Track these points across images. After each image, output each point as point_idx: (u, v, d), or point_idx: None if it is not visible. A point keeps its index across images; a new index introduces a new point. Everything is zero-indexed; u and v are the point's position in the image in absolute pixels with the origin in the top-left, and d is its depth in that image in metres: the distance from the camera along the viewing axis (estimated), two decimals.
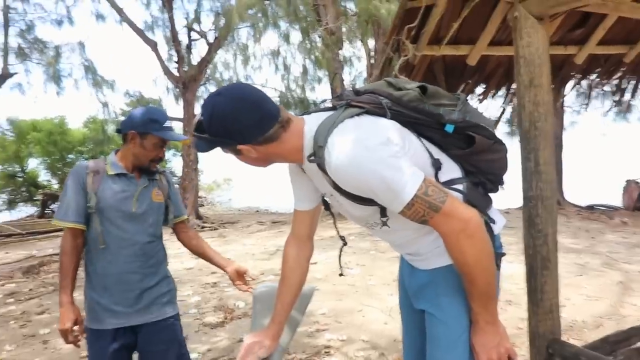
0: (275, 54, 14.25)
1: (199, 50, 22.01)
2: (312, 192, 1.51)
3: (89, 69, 13.96)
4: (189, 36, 14.48)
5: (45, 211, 17.08)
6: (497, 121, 3.44)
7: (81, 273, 1.99)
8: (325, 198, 1.49)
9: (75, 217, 1.94)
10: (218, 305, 4.97)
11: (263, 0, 12.35)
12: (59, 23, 14.42)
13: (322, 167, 1.22)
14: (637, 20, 2.57)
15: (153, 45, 13.84)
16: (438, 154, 1.34)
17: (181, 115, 14.10)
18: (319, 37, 12.51)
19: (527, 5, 1.72)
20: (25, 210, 20.11)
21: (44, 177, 21.35)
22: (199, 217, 14.02)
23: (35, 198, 19.94)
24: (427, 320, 1.40)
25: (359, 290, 5.27)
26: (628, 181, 12.28)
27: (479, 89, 3.45)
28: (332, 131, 1.20)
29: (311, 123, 1.29)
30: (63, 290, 1.92)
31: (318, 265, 6.19)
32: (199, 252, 2.27)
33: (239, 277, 2.17)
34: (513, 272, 4.53)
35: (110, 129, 14.93)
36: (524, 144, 1.75)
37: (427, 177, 1.16)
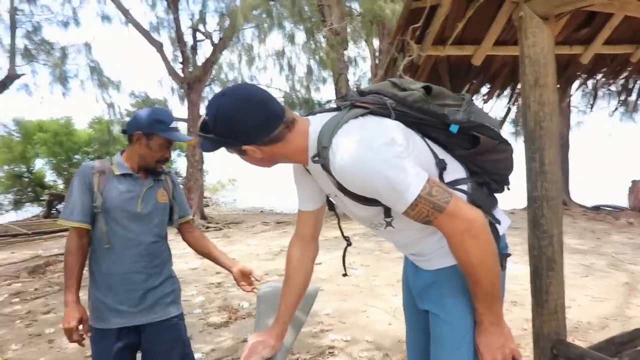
0: (280, 54, 14.25)
1: (204, 51, 22.13)
2: (316, 192, 1.51)
3: (95, 70, 14.03)
4: (194, 37, 14.53)
5: (51, 211, 17.17)
6: (502, 121, 3.43)
7: (85, 273, 2.00)
8: (329, 198, 1.49)
9: (81, 217, 1.95)
10: (222, 305, 4.98)
11: (268, 0, 12.36)
12: (66, 24, 14.51)
13: (326, 167, 1.22)
14: None
15: (158, 46, 13.89)
16: (443, 154, 1.33)
17: (186, 116, 14.15)
18: (324, 37, 12.51)
19: (532, 5, 1.71)
20: (31, 211, 20.23)
21: (50, 177, 21.49)
22: (203, 217, 14.05)
23: (41, 198, 20.05)
24: (431, 321, 1.40)
25: (363, 291, 5.27)
26: (634, 182, 12.19)
27: (484, 89, 3.44)
28: (336, 132, 1.21)
29: (316, 124, 1.29)
30: (68, 289, 1.93)
31: (322, 266, 6.19)
32: (205, 253, 2.27)
33: (244, 277, 2.17)
34: (518, 272, 4.53)
35: (116, 129, 14.98)
36: (529, 143, 1.75)
37: (431, 177, 1.16)
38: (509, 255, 1.40)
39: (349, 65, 13.67)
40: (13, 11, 12.95)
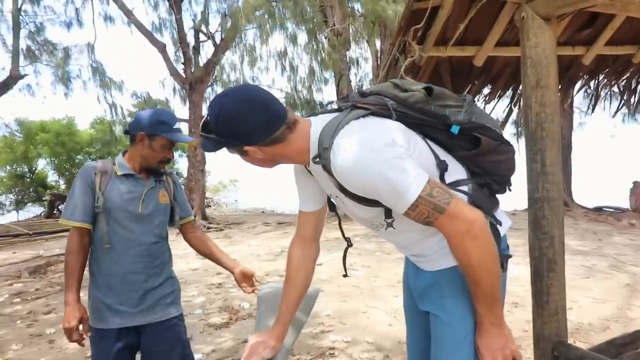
0: (282, 55, 14.28)
1: (206, 52, 22.16)
2: (317, 193, 1.51)
3: (97, 71, 14.08)
4: (197, 38, 14.57)
5: (53, 211, 17.20)
6: (503, 122, 3.42)
7: (85, 273, 2.00)
8: (330, 199, 1.49)
9: (82, 217, 1.95)
10: (223, 306, 4.98)
11: (270, 1, 12.38)
12: (68, 25, 14.59)
13: (327, 168, 1.22)
14: None
15: (161, 47, 13.93)
16: (444, 155, 1.33)
17: (188, 117, 14.16)
18: (326, 38, 12.52)
19: (534, 6, 1.71)
20: (33, 211, 20.29)
21: (51, 177, 21.56)
22: (205, 217, 14.06)
23: (43, 198, 20.10)
24: (431, 322, 1.40)
25: (364, 292, 5.27)
26: (636, 183, 12.18)
27: (486, 90, 3.43)
28: (337, 133, 1.21)
29: (317, 124, 1.29)
30: (69, 289, 1.93)
31: (323, 267, 6.18)
32: (206, 253, 2.27)
33: (245, 279, 2.17)
34: (519, 274, 4.52)
35: (118, 130, 15.02)
36: (530, 145, 1.74)
37: (431, 178, 1.16)
38: (510, 256, 1.40)
39: (350, 66, 13.68)
40: (17, 12, 12.99)
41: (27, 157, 20.41)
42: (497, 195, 1.43)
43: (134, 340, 2.04)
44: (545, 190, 1.71)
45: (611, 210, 12.26)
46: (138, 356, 2.11)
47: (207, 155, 14.47)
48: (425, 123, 1.31)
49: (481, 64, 2.95)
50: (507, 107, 3.40)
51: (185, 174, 15.23)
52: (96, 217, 1.98)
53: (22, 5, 13.26)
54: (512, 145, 1.41)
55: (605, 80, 3.51)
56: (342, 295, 5.11)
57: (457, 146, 1.35)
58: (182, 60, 14.25)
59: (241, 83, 10.76)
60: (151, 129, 1.98)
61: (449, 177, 1.31)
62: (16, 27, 12.96)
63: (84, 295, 1.94)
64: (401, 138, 1.20)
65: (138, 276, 2.00)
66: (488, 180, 1.38)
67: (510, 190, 1.48)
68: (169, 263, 2.16)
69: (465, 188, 1.32)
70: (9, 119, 20.30)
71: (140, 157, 2.03)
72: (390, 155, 1.14)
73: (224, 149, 1.32)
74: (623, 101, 3.65)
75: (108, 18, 14.74)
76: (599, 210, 12.31)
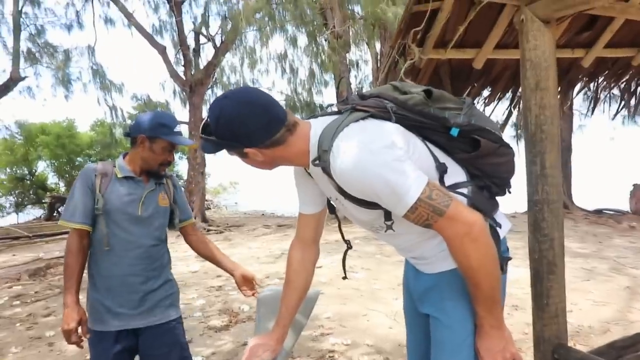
0: (282, 57, 14.31)
1: (207, 54, 22.17)
2: (317, 195, 1.51)
3: (98, 73, 14.11)
4: (197, 40, 14.59)
5: (53, 214, 17.19)
6: (503, 125, 3.42)
7: (85, 275, 2.00)
8: (330, 201, 1.49)
9: (82, 219, 1.95)
10: (223, 309, 4.97)
11: (270, 4, 12.41)
12: (69, 27, 14.61)
13: (326, 170, 1.22)
14: None
15: (161, 50, 13.95)
16: (443, 157, 1.34)
17: (188, 119, 14.17)
18: (326, 40, 12.54)
19: (533, 9, 1.72)
20: (32, 213, 20.29)
21: (51, 180, 21.57)
22: (205, 220, 14.06)
23: (43, 201, 20.08)
24: (431, 324, 1.40)
25: (364, 294, 5.26)
26: (636, 185, 12.19)
27: (485, 93, 3.44)
28: (337, 135, 1.21)
29: (317, 127, 1.29)
30: (68, 291, 1.92)
31: (323, 269, 6.18)
32: (207, 255, 2.27)
33: (246, 282, 2.17)
34: (519, 276, 4.52)
35: (118, 132, 15.02)
36: (529, 147, 1.75)
37: (431, 181, 1.16)
38: (509, 258, 1.39)
39: (350, 68, 13.71)
40: (17, 14, 13.01)
41: (27, 160, 20.42)
42: (497, 198, 1.44)
43: (132, 343, 2.03)
44: (545, 193, 1.71)
45: (611, 212, 12.26)
46: (137, 359, 2.11)
47: (207, 157, 14.50)
48: (424, 125, 1.32)
49: (481, 66, 2.95)
50: (507, 109, 3.40)
51: (185, 176, 15.23)
52: (96, 219, 1.97)
53: (22, 7, 13.31)
54: (511, 148, 1.42)
55: (605, 82, 3.52)
56: (342, 298, 5.10)
57: (457, 149, 1.35)
58: (183, 63, 14.27)
59: (241, 85, 10.79)
60: (152, 132, 1.98)
61: (449, 180, 1.31)
62: (17, 30, 12.98)
63: (82, 297, 1.94)
64: (400, 140, 1.21)
65: (137, 278, 2.00)
66: (487, 183, 1.38)
67: (509, 192, 1.49)
68: (168, 266, 2.16)
69: (464, 190, 1.32)
70: (9, 121, 20.37)
71: (140, 159, 2.03)
72: (389, 158, 1.14)
73: (224, 151, 1.33)
74: (622, 103, 3.65)
75: (108, 20, 14.79)
76: (599, 212, 12.31)
